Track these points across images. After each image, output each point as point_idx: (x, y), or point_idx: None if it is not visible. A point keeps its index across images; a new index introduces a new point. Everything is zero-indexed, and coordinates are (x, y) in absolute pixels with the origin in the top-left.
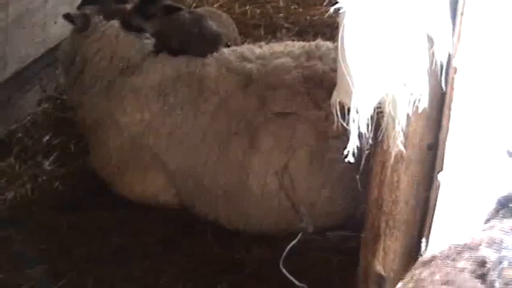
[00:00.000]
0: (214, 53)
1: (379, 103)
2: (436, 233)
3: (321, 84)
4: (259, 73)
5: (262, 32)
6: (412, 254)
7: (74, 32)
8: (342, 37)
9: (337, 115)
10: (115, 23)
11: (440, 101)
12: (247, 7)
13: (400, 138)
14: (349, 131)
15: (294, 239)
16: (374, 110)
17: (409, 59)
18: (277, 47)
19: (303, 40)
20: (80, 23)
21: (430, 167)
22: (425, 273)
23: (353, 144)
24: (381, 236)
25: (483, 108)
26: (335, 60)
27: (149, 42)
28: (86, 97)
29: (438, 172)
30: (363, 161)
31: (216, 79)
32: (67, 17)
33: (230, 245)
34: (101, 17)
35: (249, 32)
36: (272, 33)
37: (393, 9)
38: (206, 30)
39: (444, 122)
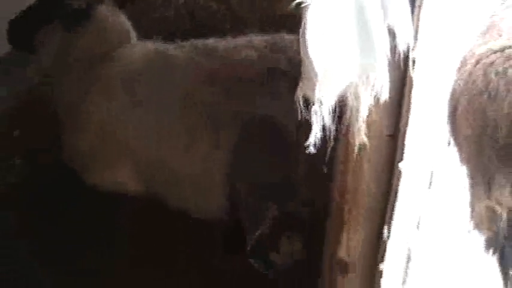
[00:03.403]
0: (180, 45)
1: (342, 95)
2: (397, 220)
3: (284, 76)
4: (224, 66)
5: (228, 26)
6: (375, 241)
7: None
8: (304, 30)
9: (301, 109)
10: (104, 6)
11: (399, 92)
12: (212, 2)
13: (362, 129)
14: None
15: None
16: (336, 101)
17: (370, 51)
18: (241, 40)
19: (268, 34)
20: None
21: (391, 156)
22: None
23: (315, 135)
24: (345, 223)
25: (441, 98)
26: (298, 52)
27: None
28: (63, 79)
29: (399, 161)
30: (328, 153)
31: (181, 73)
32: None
33: (201, 238)
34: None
35: (214, 27)
36: (237, 27)
37: (355, 2)
38: None
39: (404, 112)
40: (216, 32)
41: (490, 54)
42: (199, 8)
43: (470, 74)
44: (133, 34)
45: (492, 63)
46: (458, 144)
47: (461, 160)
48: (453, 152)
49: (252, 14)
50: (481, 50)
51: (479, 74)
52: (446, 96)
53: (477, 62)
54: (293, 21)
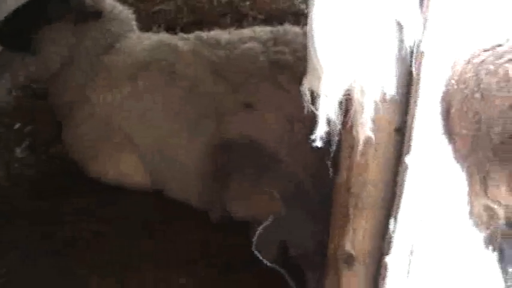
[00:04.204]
0: (184, 37)
1: (348, 89)
2: (403, 213)
3: (288, 69)
4: (228, 58)
5: (229, 21)
6: (380, 234)
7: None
8: (312, 24)
9: (307, 101)
10: None
11: (407, 86)
12: None
13: (368, 124)
14: (318, 116)
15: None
16: (342, 96)
17: (377, 45)
18: (245, 32)
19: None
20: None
21: (397, 150)
22: None
23: (322, 129)
24: (350, 216)
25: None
26: (302, 45)
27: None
28: (67, 73)
29: (406, 155)
30: (333, 146)
31: (186, 64)
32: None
33: (209, 229)
34: None
35: (215, 21)
36: (238, 21)
37: None
38: None
39: (411, 107)
40: (216, 26)
41: (481, 53)
42: (199, 2)
43: (461, 73)
44: (136, 26)
45: (483, 61)
46: (453, 142)
47: (457, 158)
48: (448, 150)
49: (253, 8)
50: (471, 48)
51: (470, 73)
52: (439, 96)
53: (468, 62)
54: (294, 15)
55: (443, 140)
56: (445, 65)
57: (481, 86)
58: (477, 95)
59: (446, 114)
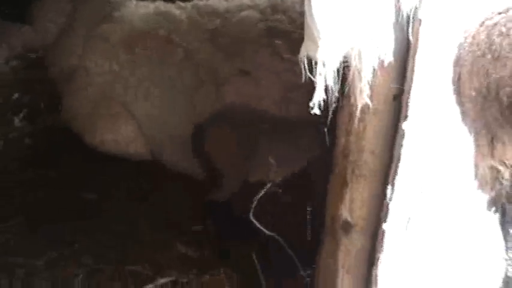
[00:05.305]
0: (181, 5)
1: (346, 56)
2: (401, 180)
3: (285, 37)
4: (225, 26)
5: None
6: (378, 201)
7: None
8: None
9: (304, 68)
10: None
11: (405, 53)
12: None
13: (366, 91)
14: (316, 83)
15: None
16: (340, 63)
17: (374, 12)
18: (243, 0)
19: None
20: None
21: (395, 117)
22: None
23: (319, 96)
24: (348, 183)
25: (446, 60)
26: (300, 13)
27: None
28: (65, 42)
29: (403, 121)
30: (330, 114)
31: (183, 33)
32: None
33: (201, 196)
34: None
35: None
36: None
37: None
38: None
39: (409, 73)
40: None
41: (494, 16)
42: None
43: (474, 36)
44: None
45: (495, 24)
46: (462, 105)
47: (465, 121)
48: (456, 113)
49: None
50: (485, 12)
51: (482, 35)
52: (451, 59)
53: (481, 24)
54: None
55: (452, 103)
56: (455, 30)
57: (493, 47)
58: (488, 56)
59: (457, 77)
